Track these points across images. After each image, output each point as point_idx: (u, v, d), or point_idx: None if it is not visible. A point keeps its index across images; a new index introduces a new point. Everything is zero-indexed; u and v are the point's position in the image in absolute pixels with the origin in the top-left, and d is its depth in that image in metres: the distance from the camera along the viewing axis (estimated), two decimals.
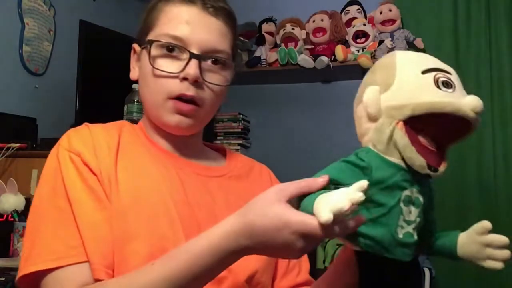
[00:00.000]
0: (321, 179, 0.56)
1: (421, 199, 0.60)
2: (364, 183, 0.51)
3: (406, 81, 0.60)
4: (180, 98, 0.76)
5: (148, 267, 0.61)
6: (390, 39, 2.49)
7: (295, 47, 2.65)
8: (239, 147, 2.86)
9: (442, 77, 0.60)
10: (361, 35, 2.56)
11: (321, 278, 0.77)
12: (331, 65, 2.54)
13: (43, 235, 0.68)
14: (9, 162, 1.85)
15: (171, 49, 0.77)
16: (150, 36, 0.79)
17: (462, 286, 2.37)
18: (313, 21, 2.69)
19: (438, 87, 0.59)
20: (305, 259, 0.91)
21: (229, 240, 0.57)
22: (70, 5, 2.53)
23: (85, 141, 0.74)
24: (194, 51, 0.76)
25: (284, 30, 2.71)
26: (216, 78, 0.79)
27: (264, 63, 2.75)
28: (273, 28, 2.85)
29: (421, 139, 0.61)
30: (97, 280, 0.66)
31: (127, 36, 2.22)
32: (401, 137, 0.58)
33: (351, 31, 2.57)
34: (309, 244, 0.54)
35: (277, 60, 2.69)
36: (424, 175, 0.60)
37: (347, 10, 2.69)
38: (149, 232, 0.69)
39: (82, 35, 2.17)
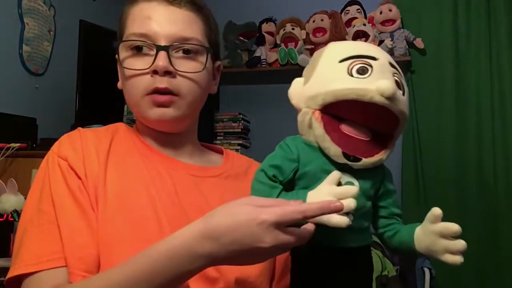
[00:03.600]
0: (296, 204, 0.56)
1: (355, 183, 0.60)
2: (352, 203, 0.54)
3: (322, 71, 0.61)
4: (155, 92, 0.76)
5: (109, 270, 0.62)
6: (390, 39, 2.49)
7: (295, 47, 2.65)
8: (239, 147, 2.86)
9: (358, 64, 0.58)
10: (361, 35, 2.56)
11: None
12: None
13: (29, 239, 0.69)
14: (9, 162, 1.84)
15: (139, 47, 0.77)
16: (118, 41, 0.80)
17: (462, 286, 2.37)
18: (313, 21, 2.69)
19: (351, 74, 0.58)
20: None
21: (190, 243, 0.56)
22: (70, 5, 2.53)
23: (74, 146, 0.75)
24: (162, 44, 0.76)
25: (284, 30, 2.71)
26: (189, 66, 0.78)
27: (264, 63, 2.75)
28: (273, 28, 2.85)
29: (345, 127, 0.60)
30: None
31: None
32: (317, 127, 0.60)
33: (351, 31, 2.57)
34: (278, 237, 0.53)
35: (277, 60, 2.69)
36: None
37: (347, 10, 2.69)
38: (135, 235, 0.69)
39: (82, 35, 2.17)
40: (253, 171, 0.90)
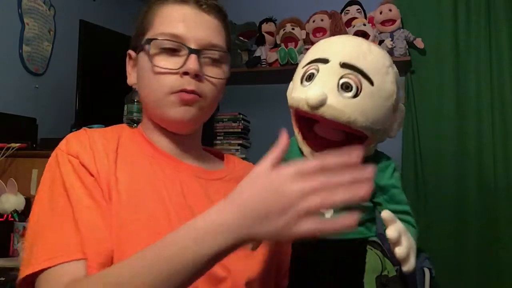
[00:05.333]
0: (284, 139, 0.58)
1: None
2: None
3: (294, 78, 0.64)
4: (181, 91, 0.77)
5: (134, 255, 0.61)
6: (390, 39, 2.49)
7: (295, 47, 2.65)
8: (239, 147, 2.86)
9: (311, 70, 0.60)
10: (361, 35, 2.55)
11: None
12: None
13: (44, 236, 0.68)
14: (9, 162, 1.84)
15: (170, 47, 0.78)
16: (147, 37, 0.80)
17: (462, 286, 2.37)
18: (313, 21, 2.69)
19: (301, 82, 0.60)
20: None
21: (213, 216, 0.56)
22: (70, 5, 2.53)
23: (83, 144, 0.75)
24: (192, 47, 0.77)
25: (284, 30, 2.71)
26: (214, 72, 0.80)
27: (264, 63, 2.75)
28: (273, 28, 2.85)
29: (318, 128, 0.63)
30: None
31: (127, 36, 2.21)
32: (294, 127, 0.64)
33: (351, 31, 2.57)
34: (300, 186, 0.52)
35: (277, 60, 2.69)
36: None
37: (347, 10, 2.69)
38: (148, 234, 0.69)
39: (82, 35, 2.17)
40: None
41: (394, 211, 0.63)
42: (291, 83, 0.67)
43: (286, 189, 0.52)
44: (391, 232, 0.55)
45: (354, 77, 0.58)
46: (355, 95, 0.58)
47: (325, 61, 0.59)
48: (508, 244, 2.32)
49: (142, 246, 0.65)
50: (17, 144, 1.79)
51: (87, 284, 0.62)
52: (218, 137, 2.90)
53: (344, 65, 0.59)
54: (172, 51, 0.78)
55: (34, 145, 1.89)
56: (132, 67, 0.86)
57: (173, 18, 0.79)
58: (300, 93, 0.58)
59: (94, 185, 0.71)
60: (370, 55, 0.61)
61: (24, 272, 0.67)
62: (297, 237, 0.52)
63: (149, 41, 0.78)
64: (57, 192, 0.71)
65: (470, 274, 2.35)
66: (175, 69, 0.77)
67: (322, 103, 0.56)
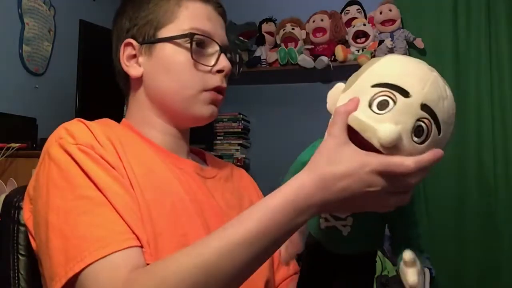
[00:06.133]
0: (351, 102, 0.55)
1: None
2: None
3: (355, 89, 0.58)
4: (215, 90, 0.79)
5: (218, 232, 0.57)
6: (390, 39, 2.49)
7: (295, 47, 2.65)
8: (239, 147, 2.86)
9: (383, 96, 0.54)
10: (361, 35, 2.56)
11: None
12: (331, 65, 2.54)
13: (79, 229, 0.61)
14: (9, 162, 1.84)
15: (203, 43, 0.79)
16: (169, 30, 0.78)
17: (462, 286, 2.37)
18: (313, 21, 2.69)
19: (370, 105, 0.54)
20: None
21: (304, 194, 0.54)
22: (70, 5, 2.53)
23: (89, 135, 0.71)
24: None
25: (284, 30, 2.71)
26: None
27: (264, 63, 2.75)
28: (273, 28, 2.85)
29: (361, 137, 0.58)
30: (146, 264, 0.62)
31: None
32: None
33: (351, 31, 2.57)
34: (391, 184, 0.52)
35: (277, 60, 2.69)
36: None
37: (347, 10, 2.69)
38: (173, 229, 0.68)
39: (82, 35, 2.17)
40: (235, 174, 0.93)
41: (403, 237, 0.63)
42: (341, 87, 0.61)
43: (372, 183, 0.53)
44: (412, 277, 0.55)
45: (428, 122, 0.54)
46: (422, 142, 0.54)
47: (405, 93, 0.53)
48: (508, 243, 2.32)
49: (168, 243, 0.65)
50: (17, 144, 1.78)
51: (167, 269, 0.56)
52: (218, 137, 2.90)
53: (424, 107, 0.53)
54: (203, 48, 0.79)
55: (34, 145, 1.88)
56: (130, 58, 0.82)
57: (201, 15, 0.80)
58: (369, 120, 0.53)
59: (117, 175, 0.67)
60: (446, 100, 0.56)
61: (73, 269, 0.59)
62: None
63: (192, 35, 0.77)
64: (81, 185, 0.65)
65: (470, 274, 2.35)
66: (210, 66, 0.78)
67: (395, 146, 0.51)
